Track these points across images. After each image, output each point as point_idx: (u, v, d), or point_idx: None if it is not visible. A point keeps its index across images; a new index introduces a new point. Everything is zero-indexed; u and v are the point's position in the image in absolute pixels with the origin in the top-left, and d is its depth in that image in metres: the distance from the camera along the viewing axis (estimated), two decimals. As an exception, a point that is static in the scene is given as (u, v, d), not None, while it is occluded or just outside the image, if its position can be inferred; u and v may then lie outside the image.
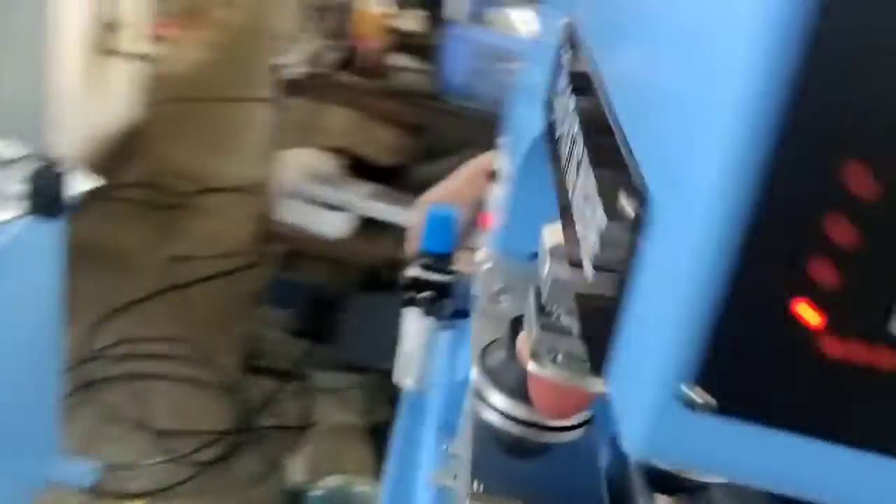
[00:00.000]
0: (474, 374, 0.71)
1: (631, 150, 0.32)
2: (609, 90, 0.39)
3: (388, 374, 2.36)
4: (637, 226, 0.30)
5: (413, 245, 1.23)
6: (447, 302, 0.96)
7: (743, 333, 0.25)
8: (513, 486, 0.62)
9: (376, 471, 1.92)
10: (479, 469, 0.62)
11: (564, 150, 0.50)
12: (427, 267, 0.98)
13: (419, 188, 2.49)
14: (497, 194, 0.89)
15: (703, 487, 0.62)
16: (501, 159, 0.92)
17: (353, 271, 2.67)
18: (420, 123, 2.51)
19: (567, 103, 0.52)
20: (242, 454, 2.05)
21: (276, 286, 2.48)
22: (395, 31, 2.28)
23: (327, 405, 2.07)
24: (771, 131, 0.22)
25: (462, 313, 0.93)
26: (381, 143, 2.69)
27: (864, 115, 0.22)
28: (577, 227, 0.42)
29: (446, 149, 2.54)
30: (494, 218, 0.88)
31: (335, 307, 2.47)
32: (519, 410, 0.67)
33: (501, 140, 0.98)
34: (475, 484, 0.59)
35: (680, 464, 0.30)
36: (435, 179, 2.53)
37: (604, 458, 0.69)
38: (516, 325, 0.70)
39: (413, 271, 0.98)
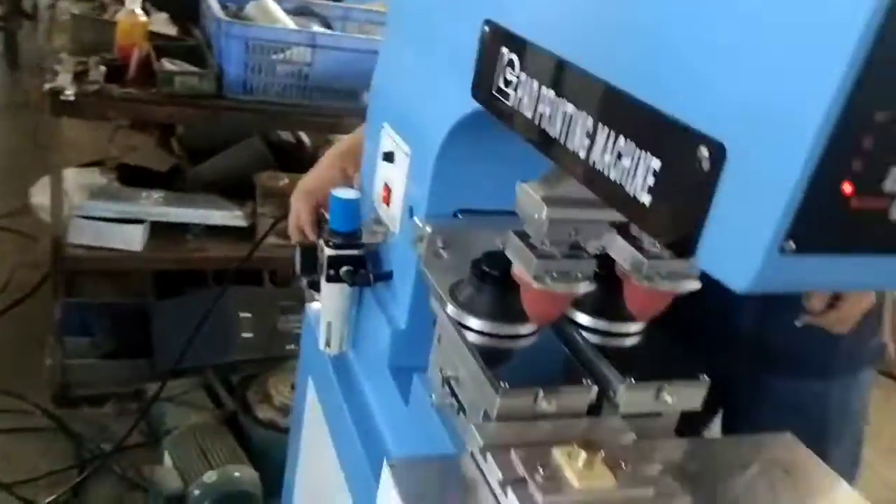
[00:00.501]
0: (451, 309, 0.88)
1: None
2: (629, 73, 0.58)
3: (219, 367, 2.39)
4: (712, 162, 0.50)
5: (295, 230, 1.34)
6: (363, 272, 1.11)
7: (814, 206, 0.46)
8: (519, 377, 0.81)
9: (243, 456, 1.99)
10: (494, 374, 0.80)
11: (554, 124, 0.68)
12: (339, 245, 1.12)
13: (206, 186, 2.52)
14: (398, 172, 1.05)
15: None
16: (390, 141, 1.08)
17: (151, 280, 2.64)
18: (196, 123, 2.52)
19: (536, 91, 0.71)
20: (95, 485, 2.01)
21: (72, 313, 2.39)
22: (158, 37, 2.27)
23: (174, 413, 2.09)
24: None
25: (385, 275, 1.09)
26: (154, 150, 2.66)
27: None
28: (609, 174, 0.61)
29: (227, 143, 2.58)
30: (402, 192, 1.04)
31: (142, 319, 2.44)
32: (498, 328, 0.86)
33: (377, 126, 1.13)
34: (502, 383, 0.77)
35: (780, 288, 0.50)
36: (220, 174, 2.57)
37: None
38: (477, 266, 0.89)
39: (328, 251, 1.11)
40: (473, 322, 0.87)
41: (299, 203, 1.31)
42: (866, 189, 0.47)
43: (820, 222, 0.48)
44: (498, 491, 0.72)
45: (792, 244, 0.48)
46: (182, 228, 2.41)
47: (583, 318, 0.91)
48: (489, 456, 0.74)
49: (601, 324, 0.91)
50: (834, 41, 0.43)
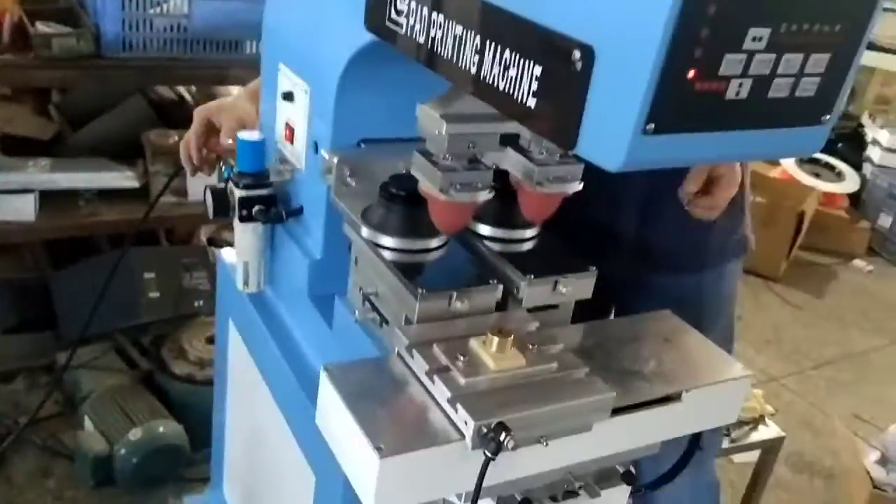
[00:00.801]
0: (365, 231, 0.96)
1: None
2: None
3: (128, 330, 2.38)
4: (584, 62, 0.59)
5: (183, 149, 1.38)
6: (275, 210, 1.16)
7: (666, 92, 0.56)
8: (434, 284, 0.89)
9: (165, 411, 2.02)
10: (411, 283, 0.88)
11: (445, 46, 0.76)
12: (249, 186, 1.16)
13: (92, 150, 2.47)
14: (299, 110, 1.10)
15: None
16: (287, 82, 1.13)
17: (44, 252, 2.59)
18: (78, 85, 2.45)
19: (427, 17, 0.78)
20: (18, 459, 2.01)
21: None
22: (28, 0, 2.20)
23: (88, 379, 2.09)
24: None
25: (296, 211, 1.15)
26: (32, 118, 2.57)
27: None
28: (497, 85, 0.69)
29: (105, 105, 2.53)
30: (304, 129, 1.09)
31: (43, 292, 2.40)
32: (410, 244, 0.94)
33: (273, 67, 1.17)
34: (419, 289, 0.86)
35: (646, 165, 0.60)
36: (103, 137, 2.52)
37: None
38: (386, 189, 0.97)
39: (239, 192, 1.16)
40: (387, 241, 0.95)
41: (193, 125, 1.36)
42: (707, 74, 0.57)
43: (673, 105, 0.58)
44: (425, 380, 0.81)
45: (651, 126, 0.57)
46: (73, 195, 2.37)
47: (484, 229, 1.00)
48: (415, 352, 0.82)
49: (500, 232, 1.00)
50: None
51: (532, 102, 0.66)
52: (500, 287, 0.92)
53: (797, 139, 0.66)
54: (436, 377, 0.79)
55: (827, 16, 0.60)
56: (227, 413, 1.52)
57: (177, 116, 2.58)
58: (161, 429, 1.92)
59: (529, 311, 0.93)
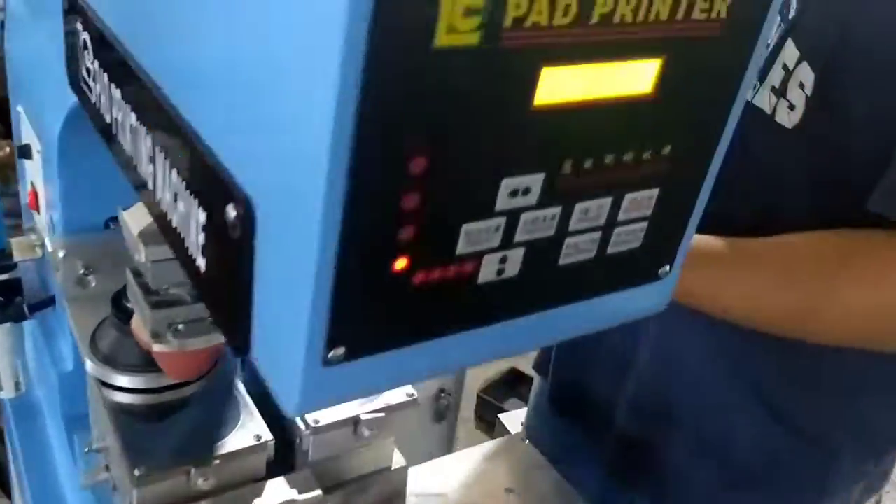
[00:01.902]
0: (89, 365, 0.70)
1: (213, 155, 0.36)
2: (172, 96, 0.41)
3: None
4: (243, 226, 0.34)
5: None
6: (19, 300, 0.90)
7: (358, 296, 0.32)
8: (172, 448, 0.65)
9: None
10: (133, 452, 0.64)
11: (126, 137, 0.50)
12: (-16, 270, 0.90)
13: None
14: (36, 170, 0.84)
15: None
16: (27, 132, 0.86)
17: None
18: None
19: (108, 88, 0.52)
20: None
21: None
22: None
23: None
24: (349, 141, 0.28)
25: (44, 303, 0.88)
26: None
27: (422, 111, 0.28)
28: (171, 218, 0.44)
29: None
30: (43, 196, 0.83)
31: None
32: (149, 382, 0.69)
33: (15, 110, 0.91)
34: (136, 470, 0.61)
35: (336, 403, 0.36)
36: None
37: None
38: (118, 301, 0.71)
39: (-29, 280, 0.89)
40: (118, 378, 0.69)
41: None
42: (430, 259, 0.33)
43: (376, 313, 0.33)
44: None
45: (338, 352, 0.33)
46: None
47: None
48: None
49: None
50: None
51: (201, 263, 0.41)
52: (271, 443, 0.67)
53: (621, 304, 0.43)
54: None
55: (645, 139, 0.36)
56: None
57: None
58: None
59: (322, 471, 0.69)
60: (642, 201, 0.38)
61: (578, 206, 0.36)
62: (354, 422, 0.70)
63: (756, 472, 0.74)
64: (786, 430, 0.72)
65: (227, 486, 0.64)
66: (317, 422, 0.68)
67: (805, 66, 0.64)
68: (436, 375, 0.37)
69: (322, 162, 0.28)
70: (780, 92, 0.66)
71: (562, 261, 0.37)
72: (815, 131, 0.65)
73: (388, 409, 0.71)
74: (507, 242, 0.35)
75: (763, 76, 0.68)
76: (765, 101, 0.67)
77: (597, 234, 0.38)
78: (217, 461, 0.64)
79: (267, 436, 0.66)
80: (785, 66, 0.66)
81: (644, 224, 0.39)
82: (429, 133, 0.29)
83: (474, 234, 0.33)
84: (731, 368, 0.73)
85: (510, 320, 0.38)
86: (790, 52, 0.65)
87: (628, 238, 0.39)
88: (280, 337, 0.34)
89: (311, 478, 0.66)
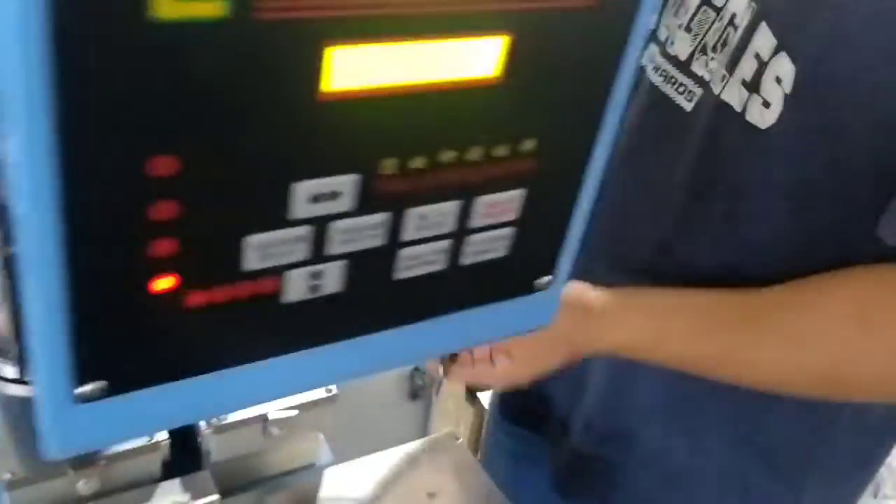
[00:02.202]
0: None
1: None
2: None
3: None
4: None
5: None
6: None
7: (111, 323, 0.26)
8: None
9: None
10: (5, 453, 0.59)
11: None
12: None
13: None
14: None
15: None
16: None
17: None
18: None
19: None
20: None
21: None
22: None
23: None
24: (51, 136, 0.22)
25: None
26: None
27: (150, 101, 0.23)
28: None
29: None
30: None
31: None
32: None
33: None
34: (5, 473, 0.56)
35: (103, 444, 0.30)
36: None
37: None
38: None
39: None
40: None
41: None
42: (205, 278, 0.27)
43: (144, 340, 0.28)
44: None
45: (99, 385, 0.27)
46: None
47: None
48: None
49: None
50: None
51: None
52: (164, 443, 0.62)
53: (495, 319, 0.37)
54: None
55: (495, 133, 0.30)
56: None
57: None
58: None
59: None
60: (503, 205, 0.32)
61: (412, 213, 0.30)
62: (263, 420, 0.65)
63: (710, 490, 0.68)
64: (752, 453, 0.65)
65: (115, 490, 0.60)
66: (220, 420, 0.63)
67: (783, 56, 0.52)
68: (243, 407, 0.32)
69: (20, 169, 0.22)
70: (752, 86, 0.54)
71: (399, 274, 0.31)
72: (793, 135, 0.52)
73: (303, 407, 0.66)
74: (319, 255, 0.29)
75: (731, 66, 0.56)
76: (734, 95, 0.56)
77: (444, 244, 0.32)
78: (102, 462, 0.59)
79: (161, 436, 0.61)
80: (758, 56, 0.53)
81: (509, 230, 0.33)
82: (168, 128, 0.23)
83: (267, 248, 0.27)
84: (691, 391, 0.65)
85: (347, 340, 0.32)
86: (764, 40, 0.53)
87: (489, 246, 0.33)
88: (36, 371, 0.29)
89: (209, 480, 0.61)
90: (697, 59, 0.59)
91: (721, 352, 0.55)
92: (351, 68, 0.25)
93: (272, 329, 0.29)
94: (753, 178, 0.55)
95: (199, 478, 0.62)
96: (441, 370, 0.57)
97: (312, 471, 0.70)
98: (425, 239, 0.31)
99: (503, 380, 0.60)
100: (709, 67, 0.58)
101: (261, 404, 0.48)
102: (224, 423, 0.64)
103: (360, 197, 0.28)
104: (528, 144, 0.31)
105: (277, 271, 0.28)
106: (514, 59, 0.28)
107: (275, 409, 0.66)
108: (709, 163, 0.57)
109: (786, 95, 0.51)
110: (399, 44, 0.26)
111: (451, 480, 0.68)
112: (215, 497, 0.61)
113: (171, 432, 0.63)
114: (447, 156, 0.29)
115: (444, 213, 0.31)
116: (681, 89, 0.61)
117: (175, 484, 0.62)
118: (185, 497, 0.61)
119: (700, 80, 0.59)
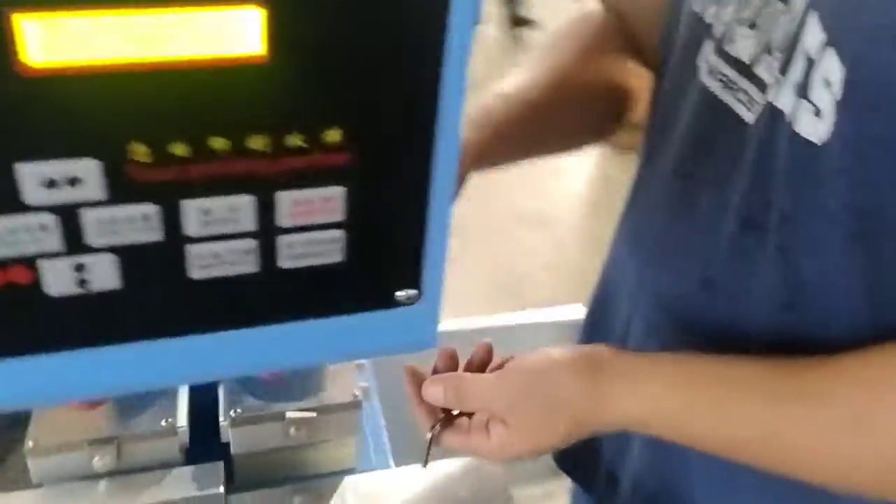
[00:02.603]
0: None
1: None
2: None
3: None
4: None
5: None
6: None
7: None
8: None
9: None
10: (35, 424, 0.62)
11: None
12: None
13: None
14: None
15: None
16: None
17: None
18: None
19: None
20: None
21: None
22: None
23: None
24: None
25: None
26: None
27: None
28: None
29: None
30: None
31: None
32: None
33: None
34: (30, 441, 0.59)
35: None
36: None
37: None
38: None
39: None
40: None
41: None
42: None
43: None
44: None
45: None
46: None
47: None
48: None
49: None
50: None
51: None
52: (182, 430, 0.63)
53: (350, 334, 0.33)
54: None
55: (280, 120, 0.26)
56: None
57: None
58: None
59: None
60: (317, 203, 0.28)
61: (189, 205, 0.27)
62: (280, 418, 0.64)
63: None
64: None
65: (130, 470, 0.62)
66: (237, 413, 0.63)
67: (831, 54, 0.42)
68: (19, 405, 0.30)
69: None
70: (801, 91, 0.44)
71: (195, 274, 0.29)
72: (847, 150, 0.42)
73: (323, 410, 0.64)
74: (77, 246, 0.27)
75: (784, 67, 0.45)
76: (787, 103, 0.45)
77: (247, 243, 0.28)
78: (118, 441, 0.61)
79: (180, 422, 0.62)
80: (807, 55, 0.44)
81: (337, 233, 0.29)
82: None
83: (4, 234, 0.26)
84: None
85: (148, 341, 0.30)
86: (813, 35, 0.43)
87: (315, 250, 0.29)
88: None
89: (220, 472, 0.61)
90: (761, 60, 0.49)
91: (764, 433, 0.44)
92: (59, 41, 0.23)
93: (42, 322, 0.28)
94: (808, 202, 0.44)
95: (211, 469, 0.62)
96: (430, 434, 0.50)
97: (341, 475, 0.68)
98: (220, 236, 0.28)
99: (499, 452, 0.51)
100: (772, 70, 0.47)
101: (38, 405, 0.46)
102: (241, 415, 0.65)
103: (110, 185, 0.26)
104: (333, 136, 0.27)
105: (28, 261, 0.26)
106: (279, 35, 0.24)
107: (293, 409, 0.66)
108: (762, 184, 0.47)
109: (836, 102, 0.41)
110: (111, 14, 0.23)
111: (473, 498, 0.64)
112: (218, 490, 0.61)
113: (190, 419, 0.64)
114: (219, 143, 0.26)
115: (235, 209, 0.27)
116: (741, 97, 0.50)
117: (187, 472, 0.62)
118: (192, 486, 0.61)
119: (764, 86, 0.48)
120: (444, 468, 0.71)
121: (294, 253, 0.29)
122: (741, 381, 0.44)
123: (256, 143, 0.26)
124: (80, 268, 0.27)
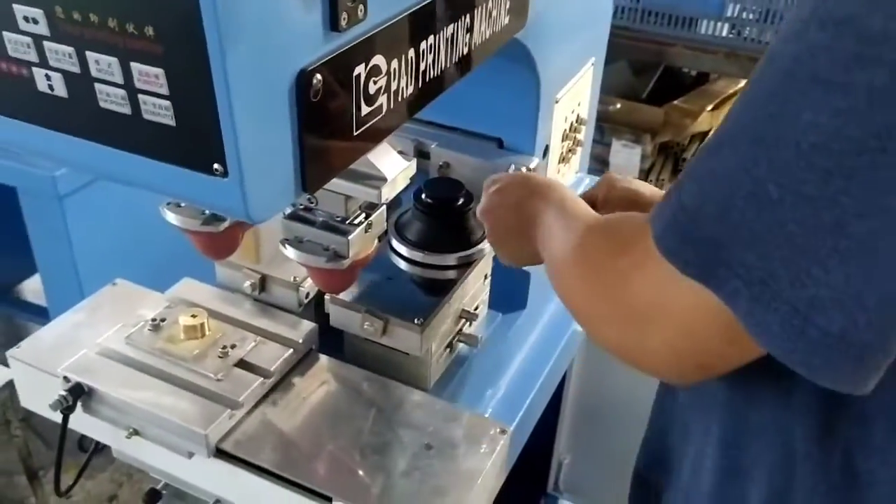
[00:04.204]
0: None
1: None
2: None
3: None
4: None
5: None
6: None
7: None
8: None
9: None
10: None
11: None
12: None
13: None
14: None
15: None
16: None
17: None
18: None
19: None
20: None
21: None
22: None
23: None
24: None
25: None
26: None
27: None
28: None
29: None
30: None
31: None
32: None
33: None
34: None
35: None
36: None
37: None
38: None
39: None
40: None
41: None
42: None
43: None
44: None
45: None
46: None
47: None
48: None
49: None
50: None
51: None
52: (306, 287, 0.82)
53: (171, 177, 0.48)
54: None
55: (112, 8, 0.43)
56: None
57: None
58: None
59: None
60: (150, 77, 0.44)
61: (90, 55, 0.45)
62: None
63: None
64: None
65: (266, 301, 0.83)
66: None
67: None
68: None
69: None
70: None
71: (102, 104, 0.47)
72: None
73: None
74: (45, 63, 0.47)
75: None
76: None
77: (122, 92, 0.45)
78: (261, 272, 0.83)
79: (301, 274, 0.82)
80: None
81: (166, 102, 0.44)
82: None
83: (15, 45, 0.47)
84: None
85: (68, 134, 0.49)
86: None
87: (158, 111, 0.45)
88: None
89: (305, 328, 0.79)
90: None
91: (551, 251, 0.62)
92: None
93: (35, 105, 0.49)
94: None
95: (300, 323, 0.81)
96: None
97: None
98: (108, 82, 0.45)
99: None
100: None
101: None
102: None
103: (53, 28, 0.45)
104: (147, 30, 0.42)
105: (26, 64, 0.47)
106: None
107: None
108: None
109: None
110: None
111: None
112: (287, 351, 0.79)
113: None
114: (78, 15, 0.43)
115: (110, 65, 0.45)
116: None
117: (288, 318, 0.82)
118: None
119: None
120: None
121: (148, 109, 0.45)
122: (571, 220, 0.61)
123: (112, 22, 0.43)
124: (48, 77, 0.47)
